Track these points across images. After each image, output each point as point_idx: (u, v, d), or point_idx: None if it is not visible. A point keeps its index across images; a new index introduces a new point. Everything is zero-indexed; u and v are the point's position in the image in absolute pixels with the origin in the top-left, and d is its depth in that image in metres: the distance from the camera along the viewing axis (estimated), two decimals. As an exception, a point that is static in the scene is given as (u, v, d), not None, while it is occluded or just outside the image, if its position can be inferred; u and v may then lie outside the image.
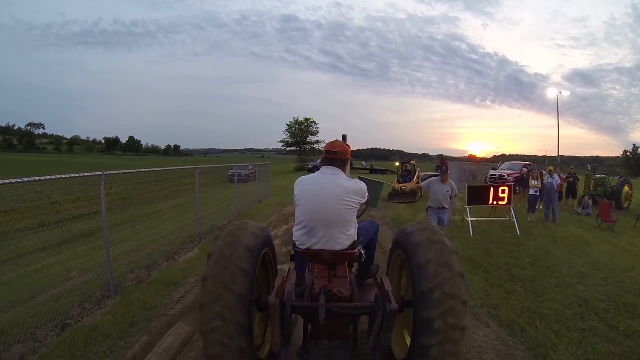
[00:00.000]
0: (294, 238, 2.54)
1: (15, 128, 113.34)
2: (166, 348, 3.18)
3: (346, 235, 2.42)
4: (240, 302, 2.12)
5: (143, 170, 5.49)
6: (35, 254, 6.05)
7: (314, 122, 55.89)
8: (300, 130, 55.13)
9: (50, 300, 4.27)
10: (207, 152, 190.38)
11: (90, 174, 4.00)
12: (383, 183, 9.89)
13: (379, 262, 3.24)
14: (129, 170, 4.78)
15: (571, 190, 12.06)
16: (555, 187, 9.62)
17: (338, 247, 2.41)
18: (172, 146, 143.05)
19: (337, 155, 2.49)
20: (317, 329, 2.52)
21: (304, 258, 2.68)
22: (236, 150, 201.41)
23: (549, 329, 3.61)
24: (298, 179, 2.58)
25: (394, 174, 21.33)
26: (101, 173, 4.01)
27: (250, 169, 15.37)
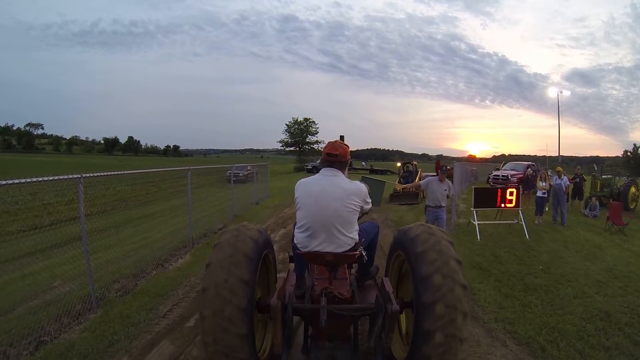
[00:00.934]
0: (295, 240, 2.52)
1: (15, 128, 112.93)
2: (147, 372, 2.85)
3: (348, 237, 2.42)
4: (241, 314, 2.11)
5: (126, 172, 5.16)
6: (23, 259, 5.76)
7: (313, 122, 55.46)
8: (300, 131, 54.65)
9: (28, 313, 3.96)
10: (206, 153, 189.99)
11: (67, 177, 3.66)
12: (385, 182, 9.58)
13: (380, 264, 3.18)
14: (110, 173, 4.41)
15: (577, 192, 11.70)
16: (564, 188, 9.28)
17: (340, 249, 2.41)
18: (171, 147, 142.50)
19: (339, 158, 2.48)
20: (318, 331, 2.54)
21: (304, 260, 2.67)
22: (236, 151, 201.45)
23: (572, 348, 3.28)
24: (299, 181, 2.57)
25: (395, 174, 20.95)
26: (79, 176, 3.67)
27: (249, 170, 14.99)
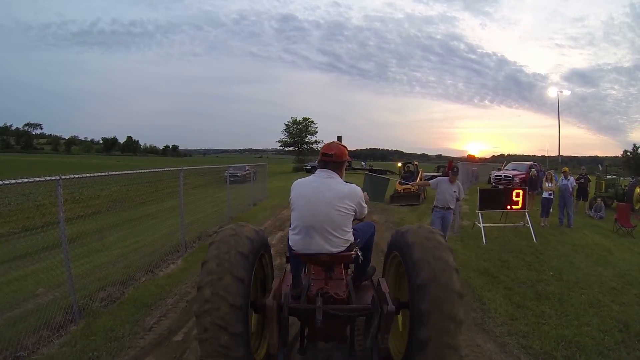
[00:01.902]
0: (290, 242, 2.51)
1: (13, 128, 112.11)
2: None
3: (342, 239, 2.40)
4: (236, 312, 2.10)
5: (110, 173, 4.84)
6: (13, 262, 5.50)
7: (312, 122, 54.90)
8: (299, 130, 54.20)
9: (6, 324, 3.68)
10: (205, 153, 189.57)
11: (45, 178, 3.38)
12: (389, 179, 9.21)
13: (378, 264, 3.13)
14: (90, 175, 4.12)
15: (582, 192, 11.44)
16: (570, 189, 9.02)
17: (335, 250, 2.39)
18: (170, 146, 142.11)
19: (333, 158, 2.44)
20: (314, 331, 2.54)
21: (300, 260, 2.66)
22: (235, 151, 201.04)
23: (593, 365, 3.02)
24: (294, 182, 2.54)
25: (394, 174, 20.62)
26: (58, 178, 3.38)
27: (247, 170, 14.69)
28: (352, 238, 2.48)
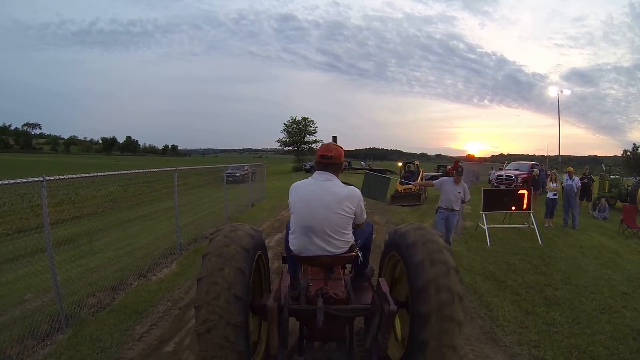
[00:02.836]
0: (290, 245, 2.47)
1: (12, 128, 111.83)
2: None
3: (342, 241, 2.37)
4: (237, 303, 2.06)
5: (98, 174, 4.64)
6: (4, 265, 5.32)
7: (311, 121, 54.69)
8: (298, 130, 53.95)
9: (-10, 332, 3.49)
10: (205, 152, 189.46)
11: (28, 180, 3.19)
12: (390, 178, 9.03)
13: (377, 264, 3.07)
14: (76, 176, 3.93)
15: (585, 192, 11.25)
16: (575, 189, 8.83)
17: (335, 252, 2.37)
18: (169, 146, 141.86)
19: (333, 160, 2.38)
20: (313, 332, 2.54)
21: (298, 261, 2.63)
22: (234, 151, 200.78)
23: (609, 377, 2.84)
24: (293, 185, 2.49)
25: (394, 174, 20.40)
26: (42, 179, 3.19)
27: (246, 170, 14.50)
28: (352, 239, 2.44)
